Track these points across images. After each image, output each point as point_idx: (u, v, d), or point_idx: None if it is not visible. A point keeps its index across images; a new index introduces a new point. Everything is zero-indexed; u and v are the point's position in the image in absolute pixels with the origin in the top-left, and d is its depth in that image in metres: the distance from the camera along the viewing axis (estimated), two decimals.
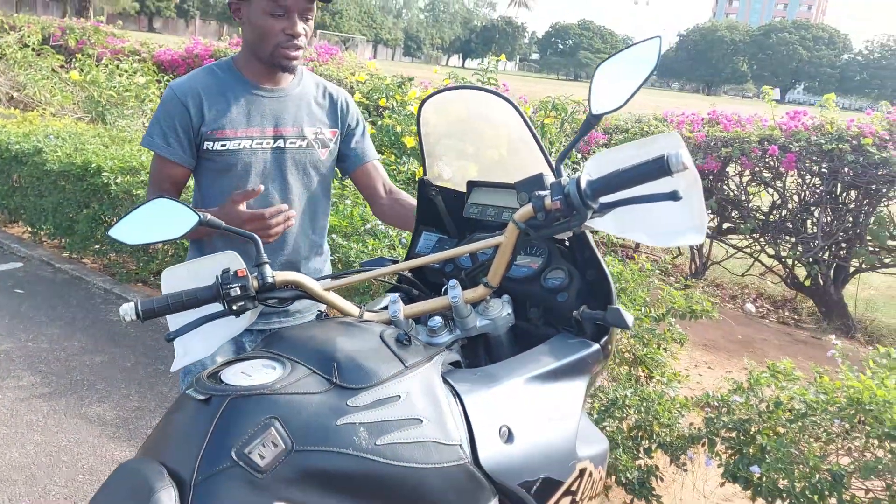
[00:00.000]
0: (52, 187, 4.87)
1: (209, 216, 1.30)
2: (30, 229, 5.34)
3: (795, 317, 5.50)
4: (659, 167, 1.06)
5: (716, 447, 2.30)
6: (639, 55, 1.21)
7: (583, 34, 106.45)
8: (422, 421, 1.07)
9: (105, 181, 4.38)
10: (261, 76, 1.76)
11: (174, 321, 1.33)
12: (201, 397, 1.03)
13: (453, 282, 1.33)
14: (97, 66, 8.31)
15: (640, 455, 2.42)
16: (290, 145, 1.79)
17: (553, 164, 1.31)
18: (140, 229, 1.29)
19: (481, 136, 1.63)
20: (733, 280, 6.02)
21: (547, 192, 1.18)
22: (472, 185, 1.61)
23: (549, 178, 1.24)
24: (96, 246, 4.80)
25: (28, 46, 10.06)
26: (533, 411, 1.21)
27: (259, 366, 1.09)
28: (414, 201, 1.80)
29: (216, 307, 1.25)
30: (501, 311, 1.37)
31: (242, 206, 1.57)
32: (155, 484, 0.94)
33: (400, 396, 1.08)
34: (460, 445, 1.09)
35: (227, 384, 1.04)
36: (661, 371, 2.83)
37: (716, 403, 2.36)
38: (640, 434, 2.43)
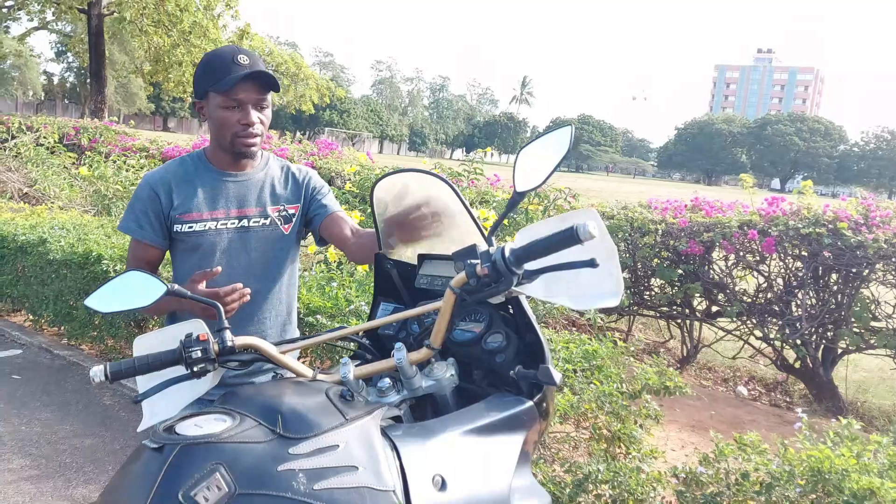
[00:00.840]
0: (54, 276, 5.03)
1: (176, 286, 1.43)
2: (31, 317, 5.47)
3: (787, 399, 5.50)
4: (569, 236, 1.20)
5: None
6: (555, 140, 1.37)
7: (583, 128, 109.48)
8: (358, 468, 1.16)
9: (105, 268, 4.54)
10: (226, 163, 1.95)
11: (144, 385, 1.44)
12: (155, 446, 1.12)
13: (399, 344, 1.43)
14: (105, 162, 8.66)
15: None
16: (253, 224, 1.95)
17: (486, 235, 1.45)
18: (113, 299, 1.42)
19: (427, 212, 1.77)
20: (725, 363, 6.05)
21: (478, 261, 1.31)
22: (422, 257, 1.75)
23: (483, 248, 1.37)
24: (94, 332, 4.91)
25: (42, 145, 10.51)
26: (467, 462, 1.29)
27: (211, 419, 1.19)
28: None
29: (180, 370, 1.36)
30: (446, 372, 1.47)
31: (202, 285, 1.70)
32: None
33: (339, 446, 1.17)
34: (394, 491, 1.17)
35: (179, 434, 1.14)
36: (638, 447, 2.87)
37: (683, 476, 2.41)
38: None
